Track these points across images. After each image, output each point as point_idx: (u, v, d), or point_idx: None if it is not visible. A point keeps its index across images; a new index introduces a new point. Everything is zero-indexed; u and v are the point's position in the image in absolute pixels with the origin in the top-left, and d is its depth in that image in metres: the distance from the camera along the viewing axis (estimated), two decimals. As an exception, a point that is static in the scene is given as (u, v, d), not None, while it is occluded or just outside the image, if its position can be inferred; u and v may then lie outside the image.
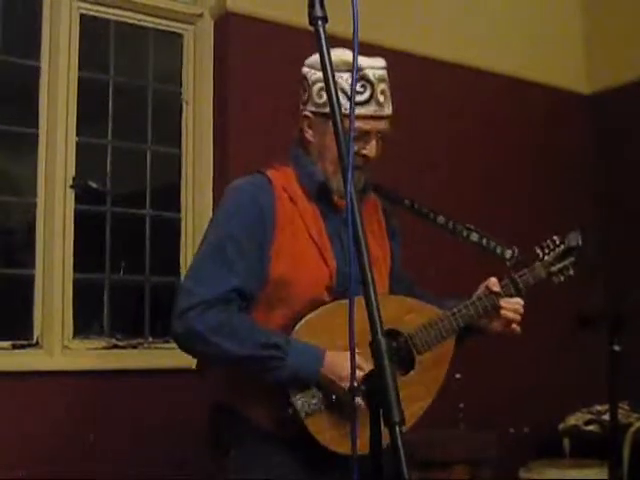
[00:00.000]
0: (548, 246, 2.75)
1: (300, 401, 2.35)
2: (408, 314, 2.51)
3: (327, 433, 2.35)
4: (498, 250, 2.68)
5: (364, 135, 2.43)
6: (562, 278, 2.76)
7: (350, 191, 1.56)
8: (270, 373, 2.33)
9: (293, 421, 2.35)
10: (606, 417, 4.57)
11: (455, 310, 2.56)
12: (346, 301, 2.36)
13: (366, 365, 2.15)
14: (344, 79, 2.34)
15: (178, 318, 2.36)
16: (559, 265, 2.74)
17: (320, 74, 2.48)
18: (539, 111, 5.57)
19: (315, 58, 2.46)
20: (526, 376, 5.03)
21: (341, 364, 2.29)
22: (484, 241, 2.67)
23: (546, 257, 2.73)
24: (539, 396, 5.01)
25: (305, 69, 2.53)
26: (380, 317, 1.52)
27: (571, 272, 2.76)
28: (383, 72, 2.47)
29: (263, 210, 2.43)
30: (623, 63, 5.66)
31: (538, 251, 2.74)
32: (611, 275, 5.05)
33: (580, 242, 2.74)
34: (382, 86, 2.45)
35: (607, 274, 5.11)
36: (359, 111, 2.40)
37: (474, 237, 2.68)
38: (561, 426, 4.96)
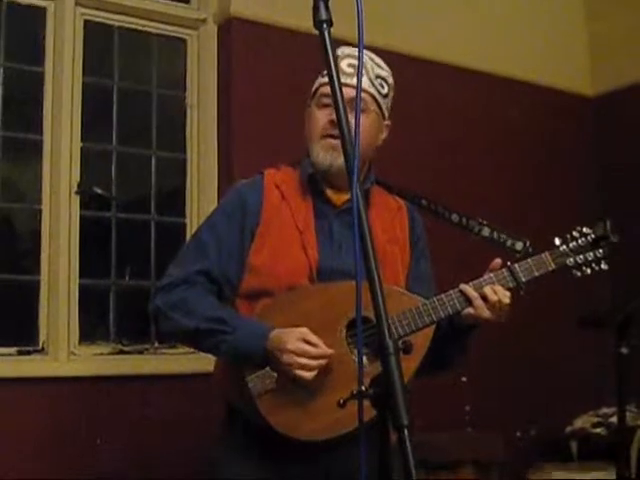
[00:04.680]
0: (572, 236, 2.51)
1: (253, 381, 2.33)
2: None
3: (279, 415, 2.31)
4: (508, 242, 2.56)
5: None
6: (588, 271, 2.50)
7: (355, 175, 1.57)
8: (216, 347, 2.39)
9: (249, 403, 2.33)
10: (614, 420, 4.55)
11: (435, 299, 2.40)
12: (315, 286, 2.40)
13: (319, 342, 2.25)
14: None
15: (151, 298, 2.52)
16: (581, 257, 2.49)
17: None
18: (543, 113, 5.56)
19: None
20: (533, 378, 5.02)
21: (284, 338, 2.27)
22: (495, 234, 2.59)
23: (562, 247, 2.50)
24: (546, 398, 5.00)
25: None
26: (387, 318, 1.51)
27: (603, 266, 2.51)
28: (353, 51, 2.49)
29: (246, 202, 2.51)
30: (627, 65, 5.65)
31: (557, 241, 2.51)
32: (618, 277, 5.04)
33: (608, 231, 2.49)
34: (349, 60, 2.49)
35: (614, 275, 5.09)
36: (324, 79, 2.48)
37: (485, 232, 2.61)
38: (569, 429, 4.94)
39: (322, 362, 2.25)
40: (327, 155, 2.46)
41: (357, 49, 2.48)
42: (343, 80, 2.39)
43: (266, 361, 2.30)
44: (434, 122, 5.04)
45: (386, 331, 1.49)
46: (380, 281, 1.53)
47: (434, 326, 2.40)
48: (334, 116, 2.40)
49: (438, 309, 2.38)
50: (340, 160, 2.38)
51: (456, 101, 5.19)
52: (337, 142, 2.38)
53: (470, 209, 2.74)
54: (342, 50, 2.48)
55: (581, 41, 5.96)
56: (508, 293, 2.41)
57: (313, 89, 2.58)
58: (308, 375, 2.25)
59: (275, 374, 2.31)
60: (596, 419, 4.89)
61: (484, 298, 2.39)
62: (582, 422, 4.96)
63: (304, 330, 2.28)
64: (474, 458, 4.20)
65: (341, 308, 2.30)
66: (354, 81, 2.45)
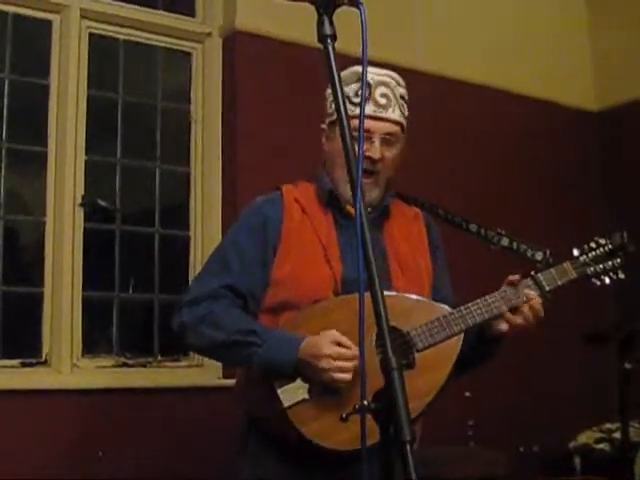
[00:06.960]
0: (590, 247, 2.59)
1: (285, 393, 2.32)
2: (412, 311, 2.41)
3: (312, 424, 2.30)
4: (528, 253, 2.58)
5: (366, 136, 2.46)
6: (607, 280, 2.57)
7: (359, 186, 1.60)
8: (248, 359, 2.37)
9: (280, 414, 2.32)
10: (617, 435, 4.54)
11: (462, 308, 2.43)
12: (339, 298, 2.41)
13: (350, 343, 2.26)
14: (351, 88, 2.45)
15: (176, 314, 2.51)
16: (600, 266, 2.56)
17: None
18: (548, 129, 5.57)
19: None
20: (537, 394, 5.01)
21: (317, 344, 2.28)
22: (514, 245, 2.61)
23: (582, 257, 2.56)
24: (549, 414, 4.99)
25: (328, 90, 2.57)
26: (389, 332, 1.52)
27: (620, 275, 2.58)
28: (385, 78, 2.54)
29: (267, 218, 2.51)
30: (631, 80, 5.66)
31: (575, 252, 2.57)
32: (621, 293, 5.03)
33: (625, 241, 2.57)
34: (382, 89, 2.51)
35: (617, 292, 5.08)
36: (357, 111, 2.40)
37: (504, 242, 2.63)
38: (572, 444, 4.93)
39: (356, 363, 2.25)
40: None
41: (388, 74, 2.54)
42: (379, 114, 2.47)
43: (298, 371, 2.31)
44: (437, 136, 5.04)
45: (389, 346, 1.49)
46: (383, 298, 1.55)
47: (462, 335, 2.43)
48: (370, 152, 2.46)
49: (466, 318, 2.42)
50: (374, 194, 2.50)
51: (460, 116, 5.19)
52: (370, 180, 2.46)
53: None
54: (372, 77, 2.50)
55: (585, 57, 5.97)
56: (539, 299, 2.46)
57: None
58: (347, 377, 2.25)
59: (307, 385, 2.31)
60: (599, 434, 4.87)
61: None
62: (585, 438, 4.94)
63: (334, 333, 2.29)
64: (477, 473, 4.19)
65: (369, 318, 2.28)
66: (389, 114, 2.51)
